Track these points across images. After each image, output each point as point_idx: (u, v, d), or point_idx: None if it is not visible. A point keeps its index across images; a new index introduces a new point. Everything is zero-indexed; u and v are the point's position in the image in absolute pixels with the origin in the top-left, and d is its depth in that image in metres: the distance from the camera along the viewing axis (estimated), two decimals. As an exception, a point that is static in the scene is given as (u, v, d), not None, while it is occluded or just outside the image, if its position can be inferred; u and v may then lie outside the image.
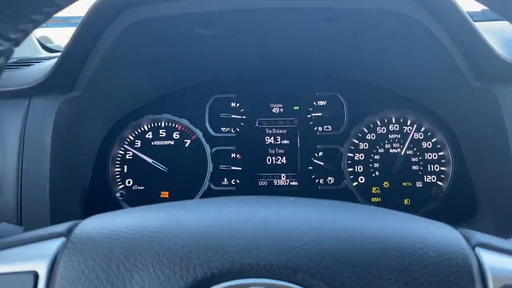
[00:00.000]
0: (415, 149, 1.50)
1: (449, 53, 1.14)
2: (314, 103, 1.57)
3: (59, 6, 0.54)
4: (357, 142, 1.52)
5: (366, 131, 1.53)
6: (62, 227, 0.55)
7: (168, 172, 1.53)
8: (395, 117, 1.53)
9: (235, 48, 1.35)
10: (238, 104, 1.59)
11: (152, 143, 1.56)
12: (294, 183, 1.55)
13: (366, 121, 1.53)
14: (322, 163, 1.53)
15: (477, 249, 0.51)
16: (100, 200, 1.48)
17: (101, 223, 0.55)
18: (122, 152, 1.55)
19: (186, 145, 1.56)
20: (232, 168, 1.55)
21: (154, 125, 1.57)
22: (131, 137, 1.56)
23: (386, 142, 1.52)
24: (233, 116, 1.58)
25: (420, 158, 1.50)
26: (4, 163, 1.20)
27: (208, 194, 1.52)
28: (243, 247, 0.50)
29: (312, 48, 1.36)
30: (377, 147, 1.52)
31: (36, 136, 1.20)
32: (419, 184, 1.49)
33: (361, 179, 1.51)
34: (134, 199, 1.52)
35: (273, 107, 1.59)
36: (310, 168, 1.54)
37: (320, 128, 1.56)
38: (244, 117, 1.58)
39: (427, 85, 1.39)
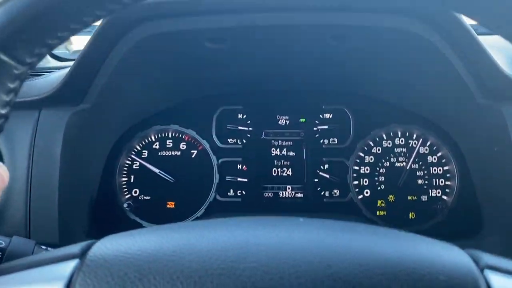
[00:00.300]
0: (420, 163, 1.51)
1: (456, 70, 1.15)
2: (320, 115, 1.58)
3: (74, 30, 0.55)
4: (363, 155, 1.53)
5: (372, 145, 1.54)
6: (75, 248, 0.56)
7: (174, 183, 1.54)
8: (401, 131, 1.53)
9: (243, 62, 1.37)
10: (245, 116, 1.60)
11: (159, 154, 1.57)
12: (299, 195, 1.55)
13: (372, 135, 1.53)
14: (327, 176, 1.54)
15: (486, 271, 0.51)
16: (107, 210, 1.49)
17: (116, 245, 0.55)
18: (129, 162, 1.56)
19: (193, 156, 1.57)
20: (238, 179, 1.56)
21: (161, 135, 1.58)
22: (138, 147, 1.57)
23: (391, 155, 1.52)
24: (239, 127, 1.59)
25: (425, 172, 1.50)
26: (14, 174, 1.20)
27: (214, 205, 1.53)
28: (256, 271, 0.50)
29: (320, 63, 1.37)
30: (383, 160, 1.52)
31: (46, 148, 1.21)
32: (424, 198, 1.49)
33: (367, 192, 1.51)
34: (141, 209, 1.53)
35: (280, 119, 1.60)
36: (315, 180, 1.55)
37: (326, 141, 1.56)
38: (250, 128, 1.59)
39: (433, 101, 1.40)
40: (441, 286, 0.49)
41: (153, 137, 1.58)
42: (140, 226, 1.49)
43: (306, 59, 1.34)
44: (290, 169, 1.57)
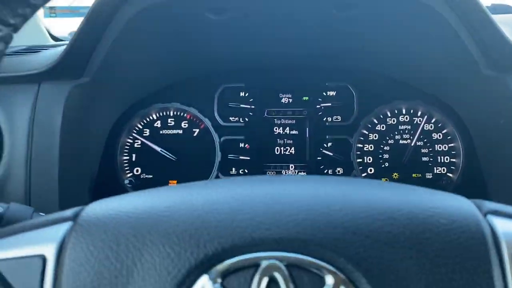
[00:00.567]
0: (425, 140, 1.49)
1: (461, 40, 1.13)
2: (324, 93, 1.56)
3: None
4: (366, 132, 1.51)
5: (376, 122, 1.52)
6: (68, 212, 0.56)
7: (176, 161, 1.53)
8: (405, 108, 1.51)
9: (245, 35, 1.35)
10: (247, 94, 1.58)
11: (161, 132, 1.56)
12: (302, 173, 1.54)
13: (376, 112, 1.52)
14: (331, 154, 1.52)
15: (489, 216, 0.51)
16: (108, 188, 1.48)
17: (108, 206, 0.55)
18: (131, 141, 1.55)
19: (195, 134, 1.56)
20: (241, 157, 1.54)
21: (162, 113, 1.57)
22: (139, 125, 1.56)
23: (396, 133, 1.51)
24: (242, 105, 1.57)
25: (430, 149, 1.49)
26: (14, 148, 1.20)
27: (216, 183, 1.51)
28: (252, 222, 0.49)
29: (323, 37, 1.35)
30: (387, 138, 1.51)
31: (46, 122, 1.20)
32: (429, 175, 1.48)
33: (370, 170, 1.50)
34: (142, 188, 1.51)
35: (282, 97, 1.58)
36: (318, 158, 1.53)
37: (329, 119, 1.55)
38: (253, 107, 1.57)
39: (438, 74, 1.37)
40: (444, 229, 0.48)
41: (154, 116, 1.56)
42: (141, 204, 1.48)
43: (309, 32, 1.31)
44: (293, 148, 1.56)
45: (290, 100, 1.58)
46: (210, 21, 1.21)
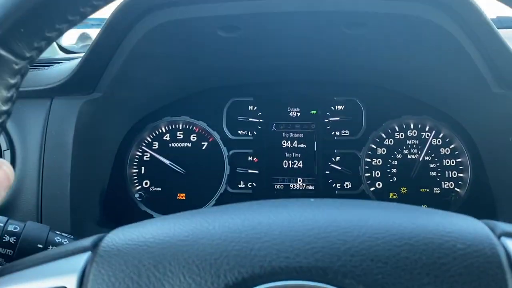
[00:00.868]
0: (433, 155, 1.49)
1: (471, 58, 1.14)
2: (332, 107, 1.57)
3: (72, 22, 0.55)
4: (375, 147, 1.52)
5: (384, 137, 1.52)
6: (87, 241, 0.56)
7: (185, 174, 1.54)
8: (413, 123, 1.52)
9: (255, 51, 1.36)
10: (255, 108, 1.59)
11: (170, 145, 1.57)
12: (310, 187, 1.55)
13: (384, 127, 1.52)
14: (339, 168, 1.53)
15: (503, 238, 0.51)
16: (118, 201, 1.49)
17: (128, 235, 0.55)
18: (140, 154, 1.56)
19: (203, 147, 1.56)
20: (249, 171, 1.55)
21: (172, 127, 1.58)
22: (149, 138, 1.57)
23: (404, 147, 1.51)
24: (250, 119, 1.58)
25: (438, 164, 1.49)
26: (26, 163, 1.21)
27: (225, 196, 1.52)
28: (271, 250, 0.50)
29: (331, 53, 1.36)
30: (395, 152, 1.51)
31: (58, 136, 1.21)
32: (436, 190, 1.48)
33: (379, 185, 1.50)
34: (152, 200, 1.53)
35: (291, 111, 1.59)
36: (327, 172, 1.54)
37: (337, 133, 1.55)
38: (261, 120, 1.58)
39: (446, 91, 1.38)
40: (460, 254, 0.48)
41: (163, 129, 1.57)
42: (150, 217, 1.49)
43: (319, 48, 1.33)
44: (301, 161, 1.56)
45: (298, 114, 1.59)
46: (221, 37, 1.22)
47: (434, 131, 1.50)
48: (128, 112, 1.46)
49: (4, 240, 0.80)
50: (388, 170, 1.50)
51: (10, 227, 0.82)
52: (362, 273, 0.47)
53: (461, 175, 1.47)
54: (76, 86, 1.21)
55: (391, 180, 1.50)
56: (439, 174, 1.48)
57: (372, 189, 1.50)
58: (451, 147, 1.49)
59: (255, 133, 1.57)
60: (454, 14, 1.08)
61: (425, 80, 1.40)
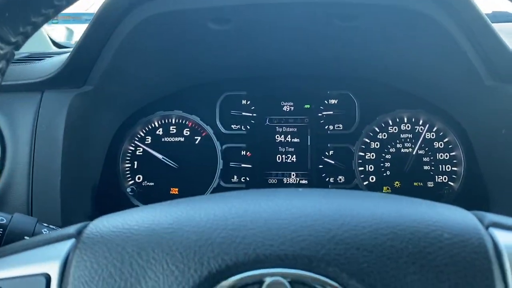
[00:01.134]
0: (426, 149, 1.49)
1: (464, 51, 1.13)
2: (326, 101, 1.56)
3: (58, 7, 0.54)
4: (368, 141, 1.52)
5: (378, 130, 1.52)
6: (71, 229, 0.55)
7: (178, 169, 1.53)
8: (407, 117, 1.52)
9: (247, 44, 1.35)
10: (249, 102, 1.58)
11: (163, 140, 1.56)
12: (304, 181, 1.54)
13: (377, 120, 1.52)
14: (332, 162, 1.52)
15: (491, 229, 0.51)
16: (110, 195, 1.48)
17: (112, 222, 0.54)
18: (133, 148, 1.55)
19: (197, 142, 1.56)
20: (242, 165, 1.55)
21: (164, 121, 1.57)
22: (141, 133, 1.56)
23: (397, 141, 1.51)
24: (243, 113, 1.57)
25: (432, 158, 1.49)
26: (16, 156, 1.20)
27: (218, 190, 1.52)
28: (256, 238, 0.49)
29: (324, 46, 1.35)
30: (389, 146, 1.51)
31: (48, 130, 1.20)
32: (430, 184, 1.48)
33: (372, 179, 1.50)
34: (144, 195, 1.52)
35: (284, 105, 1.59)
36: (320, 166, 1.54)
37: (331, 127, 1.55)
38: (254, 114, 1.58)
39: (440, 84, 1.38)
40: (446, 244, 0.48)
41: (156, 123, 1.57)
42: (143, 211, 1.48)
43: (312, 41, 1.32)
44: (294, 156, 1.56)
45: (292, 108, 1.58)
46: (212, 30, 1.22)
47: (427, 125, 1.50)
48: (120, 106, 1.45)
49: (-10, 232, 0.80)
50: (382, 164, 1.50)
51: (-3, 219, 0.81)
52: (346, 261, 0.47)
53: (455, 168, 1.47)
54: (66, 79, 1.20)
55: (384, 174, 1.49)
56: (432, 168, 1.48)
57: (365, 183, 1.50)
58: (444, 140, 1.49)
59: (249, 127, 1.57)
60: (447, 7, 1.07)
61: (419, 74, 1.39)
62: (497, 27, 1.11)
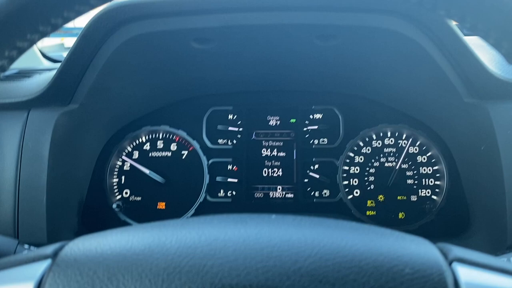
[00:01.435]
0: (410, 163, 1.51)
1: (442, 70, 1.16)
2: (311, 116, 1.59)
3: (43, 33, 0.55)
4: (352, 155, 1.54)
5: (362, 145, 1.54)
6: (48, 249, 0.56)
7: (165, 183, 1.55)
8: (390, 131, 1.54)
9: (231, 62, 1.37)
10: (235, 117, 1.60)
11: (150, 154, 1.57)
12: (290, 195, 1.56)
13: (361, 135, 1.54)
14: (317, 176, 1.54)
15: (454, 264, 0.51)
16: (97, 211, 1.49)
17: (87, 245, 0.55)
18: (120, 163, 1.56)
19: (183, 156, 1.57)
20: (229, 180, 1.56)
21: (152, 136, 1.58)
22: (129, 148, 1.57)
23: (381, 155, 1.53)
24: (230, 128, 1.59)
25: (415, 172, 1.51)
26: (2, 175, 1.21)
27: (204, 205, 1.53)
28: (224, 268, 0.51)
29: (307, 63, 1.37)
30: (373, 160, 1.53)
31: (34, 148, 1.22)
32: (413, 198, 1.49)
33: (356, 192, 1.52)
34: (131, 210, 1.53)
35: (270, 120, 1.60)
36: (306, 180, 1.55)
37: (316, 141, 1.57)
38: (241, 129, 1.59)
39: (421, 100, 1.40)
40: (407, 279, 0.49)
41: (143, 138, 1.58)
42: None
43: (293, 59, 1.34)
44: (280, 170, 1.58)
45: (278, 123, 1.60)
46: (196, 49, 1.23)
47: (411, 139, 1.52)
48: (106, 123, 1.46)
49: (-28, 254, 0.81)
50: (366, 178, 1.52)
51: (-21, 241, 0.82)
52: None
53: (438, 182, 1.49)
54: (52, 98, 1.22)
55: (368, 188, 1.51)
56: (416, 181, 1.50)
57: (350, 197, 1.51)
58: (427, 155, 1.51)
59: (235, 142, 1.59)
60: (424, 28, 1.10)
61: (399, 90, 1.42)
62: (473, 41, 1.14)
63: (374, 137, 1.54)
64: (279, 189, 1.56)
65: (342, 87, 1.54)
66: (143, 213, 1.53)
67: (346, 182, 1.52)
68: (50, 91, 1.20)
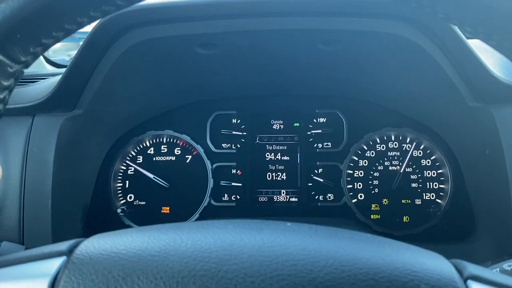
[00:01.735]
0: (414, 166, 1.51)
1: (446, 74, 1.16)
2: (314, 120, 1.59)
3: (68, 30, 0.56)
4: (356, 159, 1.54)
5: (366, 149, 1.54)
6: (64, 245, 0.55)
7: (169, 188, 1.55)
8: (394, 135, 1.54)
9: (235, 67, 1.37)
10: (239, 121, 1.60)
11: (154, 159, 1.57)
12: (294, 199, 1.56)
13: (365, 139, 1.54)
14: (321, 180, 1.54)
15: (469, 282, 0.51)
16: (101, 216, 1.49)
17: (102, 244, 0.55)
18: (124, 168, 1.57)
19: (187, 161, 1.57)
20: (233, 184, 1.56)
21: (156, 141, 1.59)
22: (133, 152, 1.57)
23: (385, 159, 1.53)
24: (234, 132, 1.59)
25: (419, 175, 1.51)
26: (7, 180, 1.21)
27: (209, 209, 1.53)
28: (239, 274, 0.51)
29: (311, 68, 1.37)
30: (377, 164, 1.53)
31: (39, 154, 1.21)
32: (418, 201, 1.49)
33: (361, 196, 1.52)
34: (135, 214, 1.53)
35: (274, 124, 1.61)
36: (310, 184, 1.55)
37: (320, 145, 1.57)
38: (244, 133, 1.60)
39: (425, 104, 1.40)
40: None
41: (147, 143, 1.58)
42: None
43: (297, 63, 1.34)
44: (284, 174, 1.58)
45: (282, 126, 1.60)
46: (200, 54, 1.24)
47: (414, 143, 1.52)
48: (110, 128, 1.47)
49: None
50: (370, 182, 1.52)
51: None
52: None
53: (442, 186, 1.49)
54: (57, 103, 1.22)
55: (373, 192, 1.51)
56: (420, 185, 1.50)
57: (354, 200, 1.51)
58: (431, 158, 1.51)
59: (239, 146, 1.59)
60: (428, 32, 1.10)
61: (404, 94, 1.42)
62: (480, 43, 1.13)
63: (378, 140, 1.54)
64: (283, 193, 1.57)
65: (346, 91, 1.54)
66: (147, 218, 1.53)
67: (350, 186, 1.53)
68: (55, 97, 1.20)
